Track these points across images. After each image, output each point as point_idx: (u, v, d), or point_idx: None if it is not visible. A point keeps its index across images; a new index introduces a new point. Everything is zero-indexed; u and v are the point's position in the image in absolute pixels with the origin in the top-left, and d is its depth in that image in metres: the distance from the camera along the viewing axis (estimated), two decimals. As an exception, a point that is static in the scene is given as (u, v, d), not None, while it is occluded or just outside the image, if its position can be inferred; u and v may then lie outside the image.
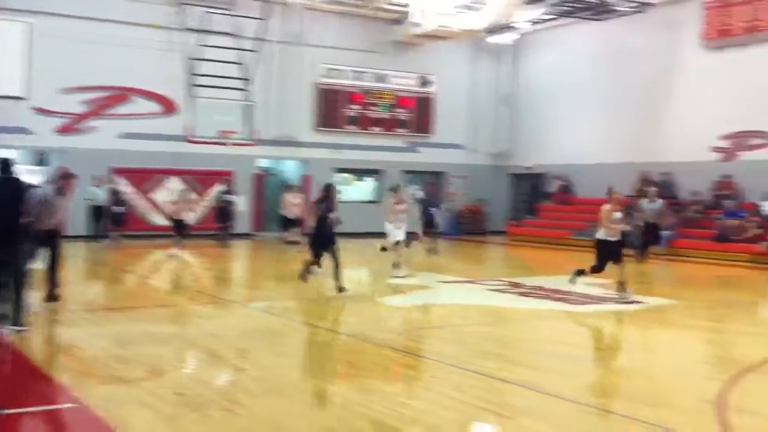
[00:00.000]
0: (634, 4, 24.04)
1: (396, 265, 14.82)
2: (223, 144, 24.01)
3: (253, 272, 18.49)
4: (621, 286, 12.31)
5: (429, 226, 19.63)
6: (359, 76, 27.21)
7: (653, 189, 20.67)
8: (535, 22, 26.44)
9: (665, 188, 23.67)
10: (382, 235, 15.52)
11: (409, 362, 8.26)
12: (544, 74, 28.16)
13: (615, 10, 24.58)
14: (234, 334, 9.41)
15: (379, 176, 28.06)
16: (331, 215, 12.42)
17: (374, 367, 8.01)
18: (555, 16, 25.86)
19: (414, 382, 7.50)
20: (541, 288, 13.75)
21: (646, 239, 19.49)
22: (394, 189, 16.22)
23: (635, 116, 24.79)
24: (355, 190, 27.86)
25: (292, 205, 21.01)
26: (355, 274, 14.33)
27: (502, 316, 11.44)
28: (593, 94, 26.28)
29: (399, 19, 26.93)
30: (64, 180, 10.25)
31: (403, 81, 27.95)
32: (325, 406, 6.45)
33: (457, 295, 13.16)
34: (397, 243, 15.10)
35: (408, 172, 28.25)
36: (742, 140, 22.24)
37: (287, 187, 22.42)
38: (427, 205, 20.39)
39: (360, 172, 28.14)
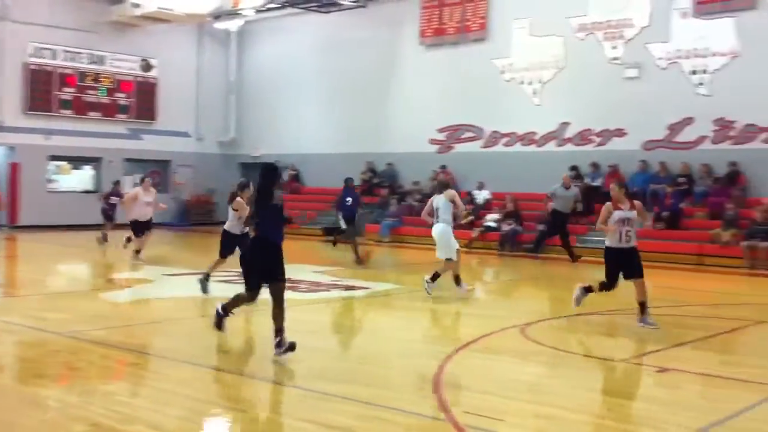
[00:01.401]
0: (357, -1, 24.83)
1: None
2: None
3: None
4: (642, 308, 9.47)
5: None
6: (74, 57, 25.42)
7: (566, 175, 18.64)
8: (260, 10, 26.38)
9: (389, 178, 24.77)
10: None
11: (129, 359, 7.77)
12: (271, 62, 28.20)
13: (338, 3, 25.20)
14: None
15: (98, 165, 26.45)
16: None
17: (91, 366, 7.43)
18: (280, 5, 25.98)
19: (134, 380, 7.05)
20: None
21: (551, 232, 17.83)
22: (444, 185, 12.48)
23: (361, 108, 25.60)
24: (71, 179, 26.07)
25: (144, 204, 16.03)
26: (76, 269, 13.32)
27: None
28: (320, 84, 26.76)
29: (118, -2, 25.57)
30: None
31: (123, 64, 26.58)
32: (38, 410, 5.84)
33: (183, 287, 12.69)
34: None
35: (130, 160, 26.94)
36: (455, 133, 23.79)
37: (143, 179, 16.78)
38: None
39: (77, 161, 26.31)
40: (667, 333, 9.45)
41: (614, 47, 20.89)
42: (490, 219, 20.77)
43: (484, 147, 23.13)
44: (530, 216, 20.28)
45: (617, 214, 9.49)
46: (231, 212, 11.30)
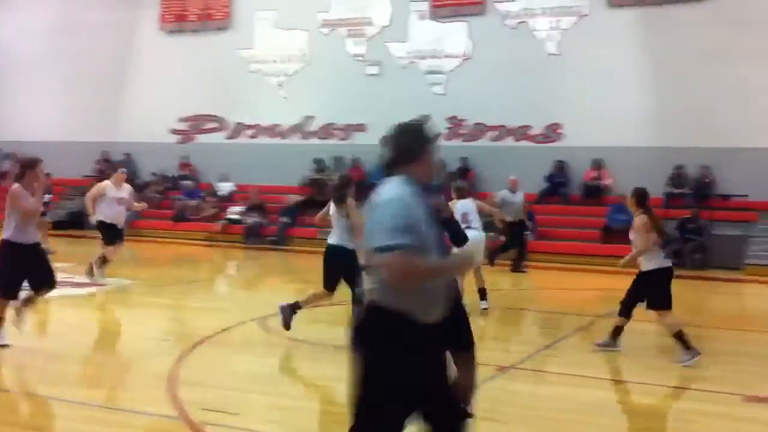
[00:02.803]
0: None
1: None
2: None
3: None
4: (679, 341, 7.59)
5: None
6: None
7: (513, 178, 15.93)
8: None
9: (126, 169, 23.53)
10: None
11: None
12: (-6, 42, 25.74)
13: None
14: None
15: None
16: None
17: None
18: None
19: None
20: None
21: (505, 243, 15.43)
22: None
23: (95, 94, 24.07)
24: None
25: (116, 201, 12.03)
26: None
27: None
28: (48, 67, 24.77)
29: None
30: None
31: None
32: None
33: None
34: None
35: None
36: (198, 123, 23.17)
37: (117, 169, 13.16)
38: None
39: None
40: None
41: (357, 44, 21.41)
42: (234, 211, 20.46)
43: (228, 138, 22.75)
44: (274, 209, 20.24)
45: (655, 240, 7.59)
46: (337, 218, 7.95)
